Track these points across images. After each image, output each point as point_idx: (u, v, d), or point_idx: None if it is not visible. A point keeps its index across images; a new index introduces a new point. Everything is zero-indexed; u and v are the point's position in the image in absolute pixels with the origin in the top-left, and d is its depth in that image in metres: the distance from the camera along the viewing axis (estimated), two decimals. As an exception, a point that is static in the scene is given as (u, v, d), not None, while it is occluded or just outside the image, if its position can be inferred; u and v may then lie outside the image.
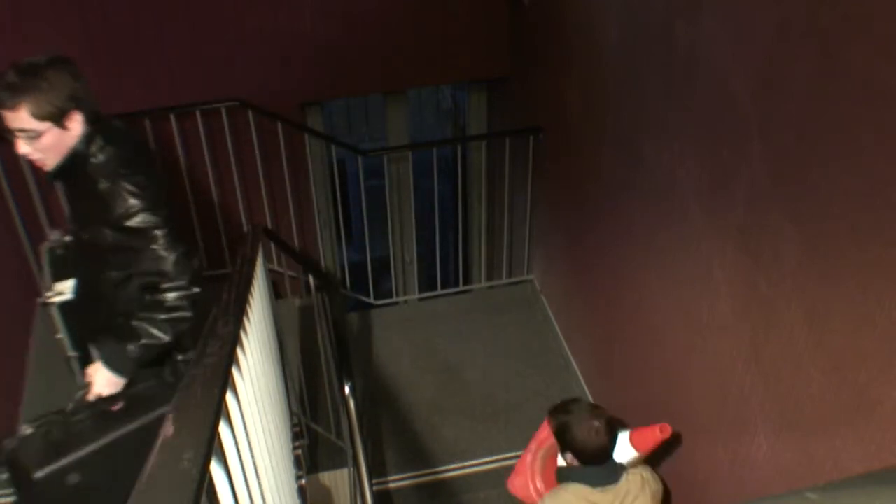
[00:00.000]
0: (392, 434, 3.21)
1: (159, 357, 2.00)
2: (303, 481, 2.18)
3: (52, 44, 3.32)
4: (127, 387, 1.94)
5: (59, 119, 1.79)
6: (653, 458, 2.30)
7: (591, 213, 2.93)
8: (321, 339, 2.98)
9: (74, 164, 1.87)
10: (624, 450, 2.22)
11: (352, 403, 2.17)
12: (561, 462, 2.23)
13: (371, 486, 2.04)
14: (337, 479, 2.95)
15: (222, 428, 1.09)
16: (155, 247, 1.86)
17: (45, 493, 1.55)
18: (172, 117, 3.54)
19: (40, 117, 1.76)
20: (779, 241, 1.62)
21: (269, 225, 3.88)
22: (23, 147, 1.83)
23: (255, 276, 1.91)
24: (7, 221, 3.32)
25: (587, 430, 2.09)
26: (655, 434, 2.18)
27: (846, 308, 1.42)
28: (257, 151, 3.72)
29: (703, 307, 2.02)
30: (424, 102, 7.55)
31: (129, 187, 1.83)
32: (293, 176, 3.88)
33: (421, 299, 4.12)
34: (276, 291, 2.93)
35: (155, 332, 1.89)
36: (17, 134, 1.80)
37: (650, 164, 2.29)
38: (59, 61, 1.80)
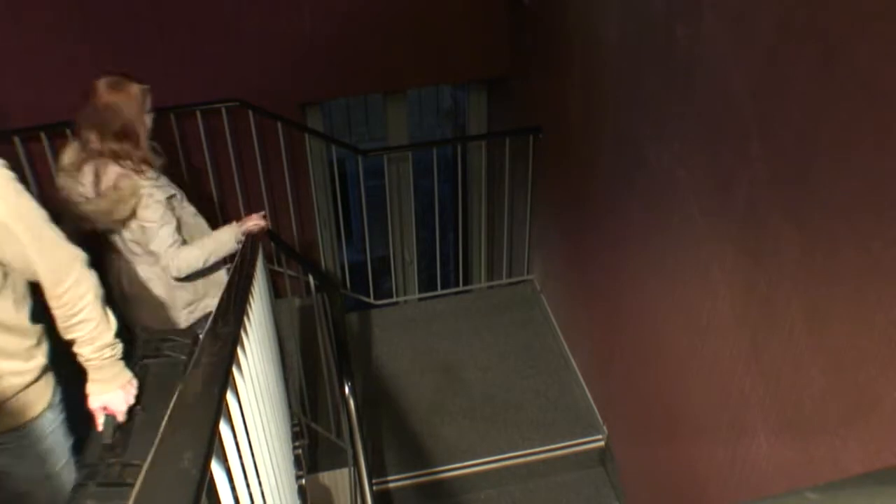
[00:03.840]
0: (392, 434, 3.21)
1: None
2: (303, 481, 2.18)
3: (52, 45, 3.35)
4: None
5: None
6: (653, 456, 2.29)
7: (592, 212, 2.93)
8: (321, 339, 2.98)
9: None
10: None
11: (352, 403, 2.17)
12: None
13: (371, 486, 2.04)
14: (337, 479, 2.95)
15: (222, 428, 1.09)
16: None
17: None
18: (172, 117, 3.54)
19: None
20: (779, 241, 1.62)
21: (269, 225, 3.87)
22: None
23: (255, 276, 1.91)
24: None
25: None
26: None
27: (846, 308, 1.42)
28: (257, 151, 3.72)
29: (703, 307, 2.02)
30: (424, 102, 7.55)
31: None
32: (293, 176, 3.88)
33: (421, 299, 4.12)
34: (276, 291, 2.92)
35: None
36: None
37: (650, 165, 2.29)
38: None
